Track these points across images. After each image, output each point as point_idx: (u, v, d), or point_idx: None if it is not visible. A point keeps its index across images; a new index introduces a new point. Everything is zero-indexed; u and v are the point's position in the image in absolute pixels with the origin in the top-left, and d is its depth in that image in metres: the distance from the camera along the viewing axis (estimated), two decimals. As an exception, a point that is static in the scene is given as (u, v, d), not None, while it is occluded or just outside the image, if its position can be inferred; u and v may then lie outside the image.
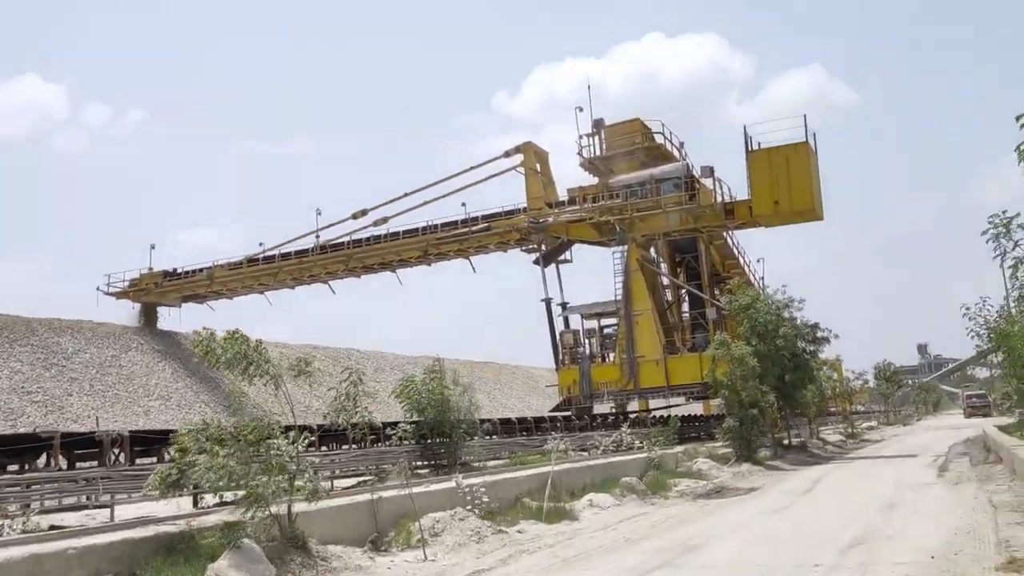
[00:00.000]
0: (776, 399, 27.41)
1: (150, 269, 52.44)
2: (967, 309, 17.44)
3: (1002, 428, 32.98)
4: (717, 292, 35.48)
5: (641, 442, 22.90)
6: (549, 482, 14.47)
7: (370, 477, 15.58)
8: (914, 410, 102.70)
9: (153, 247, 53.13)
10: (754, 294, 30.98)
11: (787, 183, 38.23)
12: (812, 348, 31.53)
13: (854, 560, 8.71)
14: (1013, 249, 11.19)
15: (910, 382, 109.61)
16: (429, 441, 17.55)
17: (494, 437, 22.37)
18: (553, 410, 43.31)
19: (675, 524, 13.00)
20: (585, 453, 21.71)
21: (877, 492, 16.49)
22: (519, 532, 11.92)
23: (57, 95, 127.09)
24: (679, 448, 24.28)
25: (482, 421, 20.79)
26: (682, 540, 11.01)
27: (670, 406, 45.80)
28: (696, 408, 49.45)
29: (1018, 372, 16.37)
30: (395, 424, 16.56)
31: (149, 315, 53.09)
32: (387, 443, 17.99)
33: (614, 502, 15.34)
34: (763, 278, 43.84)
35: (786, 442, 31.49)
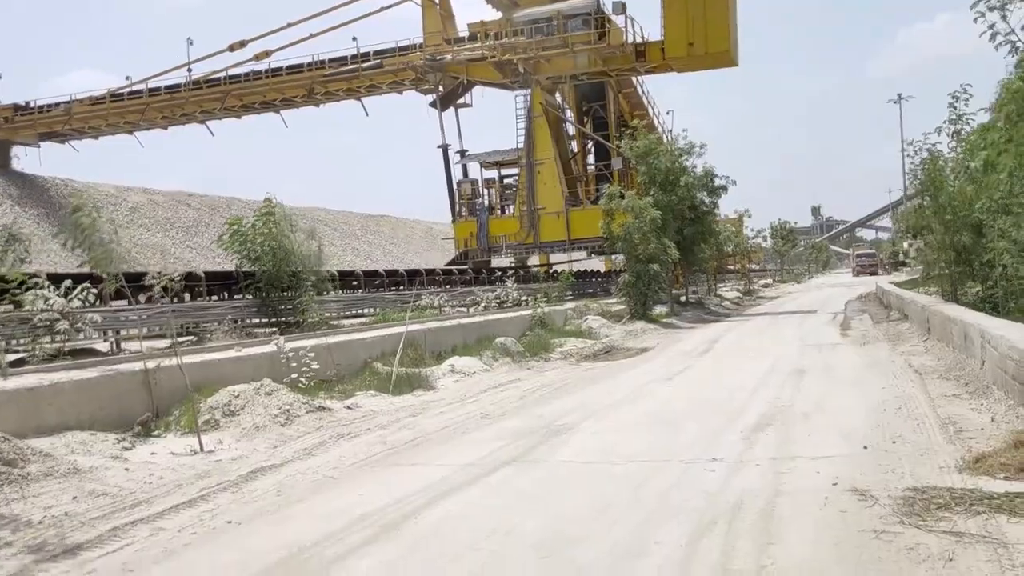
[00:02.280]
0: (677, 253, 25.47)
1: (-6, 101, 46.40)
2: (908, 145, 15.47)
3: (900, 284, 32.38)
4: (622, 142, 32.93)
5: (529, 299, 20.69)
6: (401, 344, 12.01)
7: (187, 338, 12.82)
8: (806, 269, 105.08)
9: (-1, 76, 46.46)
10: (655, 138, 28.43)
11: (703, 24, 35.43)
12: (711, 200, 29.52)
13: (764, 452, 6.58)
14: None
15: (803, 242, 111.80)
16: (267, 296, 14.75)
17: (360, 291, 19.77)
18: (448, 264, 40.98)
19: (548, 395, 10.80)
20: (465, 310, 19.42)
21: (781, 352, 14.77)
22: (348, 408, 9.47)
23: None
24: (569, 305, 22.29)
25: (344, 274, 18.04)
26: (550, 419, 8.79)
27: (572, 261, 44.16)
28: (598, 264, 47.93)
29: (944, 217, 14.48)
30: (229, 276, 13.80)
31: (0, 154, 47.45)
32: (210, 298, 15.16)
33: (482, 367, 13.08)
34: (671, 131, 41.57)
35: (683, 299, 30.03)
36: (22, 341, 9.82)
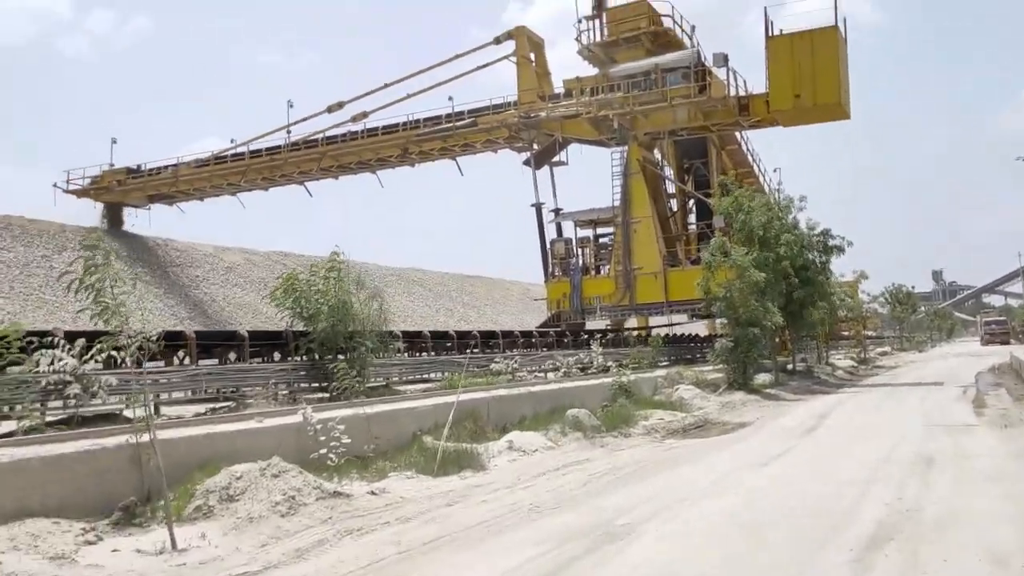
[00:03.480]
0: (781, 318, 23.24)
1: (111, 165, 48.38)
2: None
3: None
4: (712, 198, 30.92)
5: (615, 365, 19.03)
6: (451, 416, 10.59)
7: (224, 404, 11.77)
8: (928, 336, 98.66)
9: (115, 141, 48.66)
10: (745, 192, 26.36)
11: (811, 74, 33.40)
12: (823, 259, 27.16)
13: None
14: None
15: (923, 308, 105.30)
16: (320, 358, 13.57)
17: (428, 354, 18.46)
18: (541, 326, 39.59)
19: (616, 481, 9.16)
20: (543, 376, 17.91)
21: (902, 434, 12.62)
22: (373, 494, 8.06)
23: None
24: (660, 372, 20.41)
25: (410, 335, 16.84)
26: (611, 514, 7.21)
27: (672, 324, 42.09)
28: (700, 328, 45.53)
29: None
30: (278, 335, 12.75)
31: (113, 215, 49.22)
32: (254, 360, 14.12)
33: (546, 444, 11.46)
34: (779, 188, 39.41)
35: (790, 367, 27.58)
36: (26, 407, 8.91)
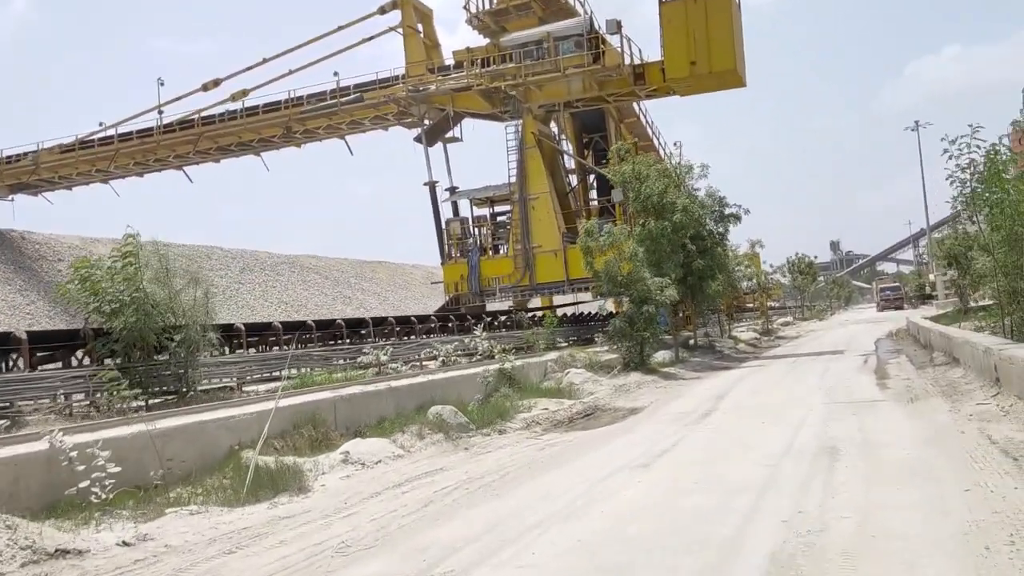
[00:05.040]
0: (680, 292, 21.99)
1: (-38, 152, 44.11)
2: (950, 144, 11.89)
3: (936, 319, 28.64)
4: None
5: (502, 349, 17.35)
6: (266, 427, 8.63)
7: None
8: (828, 305, 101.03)
9: (-33, 125, 44.22)
10: (643, 159, 25.06)
11: (706, 40, 32.31)
12: (721, 229, 26.13)
13: None
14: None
15: (822, 278, 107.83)
16: (128, 360, 11.41)
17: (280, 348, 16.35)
18: (439, 311, 37.76)
19: (464, 499, 7.43)
20: (421, 365, 16.09)
21: (802, 417, 11.28)
22: (124, 545, 6.10)
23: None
24: (550, 356, 18.86)
25: (256, 327, 14.75)
26: (437, 554, 5.51)
27: (577, 303, 40.89)
28: (610, 306, 44.40)
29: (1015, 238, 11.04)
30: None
31: (-34, 209, 45.08)
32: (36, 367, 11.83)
33: (394, 451, 9.63)
34: (678, 156, 38.46)
35: (692, 342, 26.50)
36: None
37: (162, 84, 40.86)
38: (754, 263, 45.36)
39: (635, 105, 40.01)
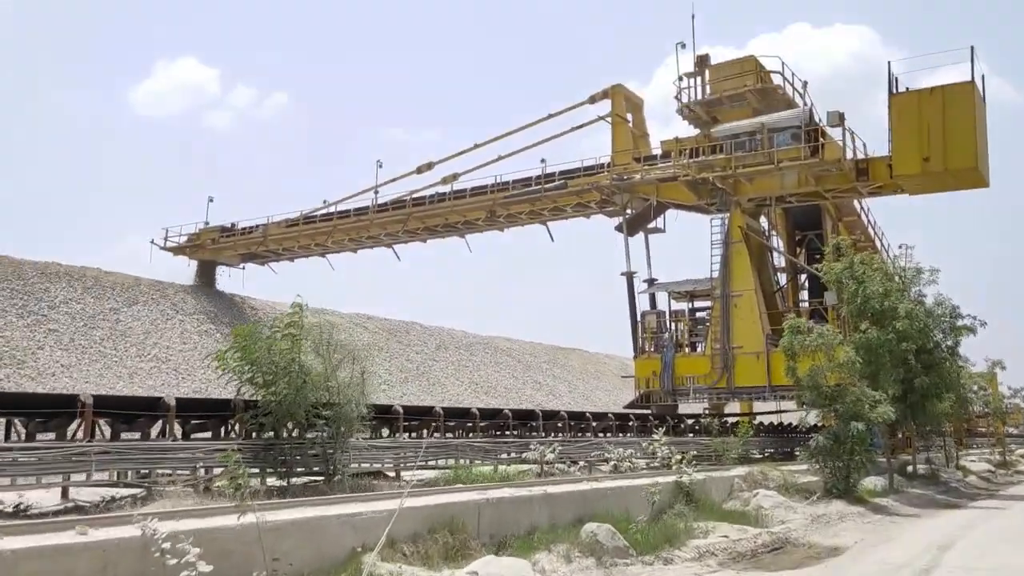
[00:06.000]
0: (897, 412, 19.16)
1: (206, 224, 48.58)
2: None
3: None
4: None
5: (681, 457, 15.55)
6: (383, 538, 7.42)
7: (130, 492, 9.21)
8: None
9: (211, 200, 48.87)
10: (860, 257, 22.44)
11: (941, 135, 29.31)
12: (950, 342, 22.81)
13: None
14: None
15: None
16: (275, 436, 10.87)
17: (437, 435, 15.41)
18: (627, 407, 36.17)
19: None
20: (588, 469, 14.70)
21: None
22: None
23: (211, 77, 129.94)
24: (738, 471, 16.77)
25: (416, 411, 14.00)
26: None
27: (780, 411, 37.77)
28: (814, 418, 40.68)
29: None
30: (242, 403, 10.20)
31: (206, 273, 49.32)
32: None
33: None
34: (906, 259, 34.95)
35: (911, 469, 23.08)
36: None
37: (380, 166, 43.15)
38: (991, 384, 39.98)
39: (856, 204, 37.16)
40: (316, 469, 11.21)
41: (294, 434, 11.13)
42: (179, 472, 10.10)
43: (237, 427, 11.68)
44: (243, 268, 50.49)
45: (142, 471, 9.70)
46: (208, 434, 12.28)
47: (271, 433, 10.84)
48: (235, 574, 6.59)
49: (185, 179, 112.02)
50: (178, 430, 11.88)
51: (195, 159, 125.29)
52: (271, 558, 6.89)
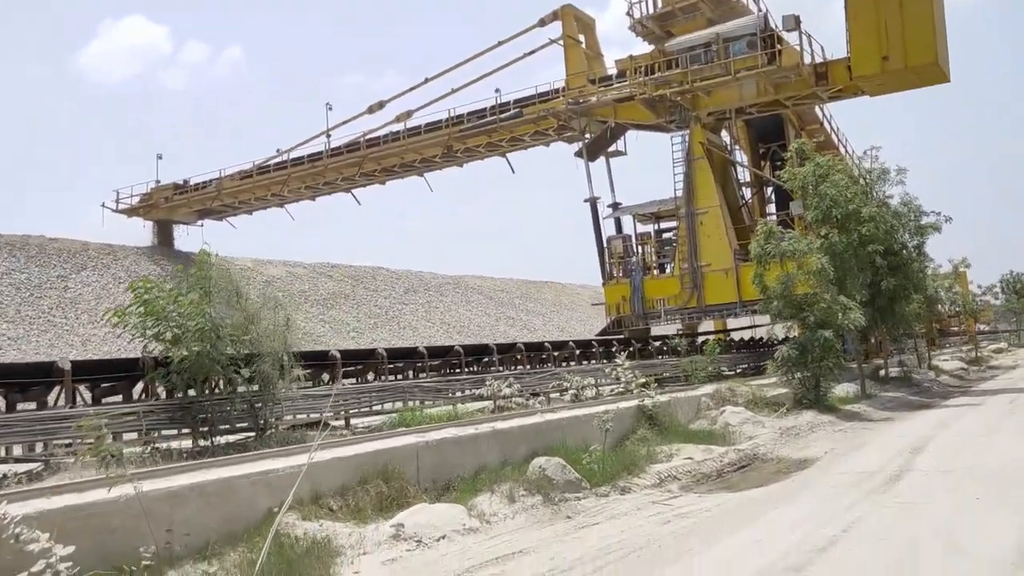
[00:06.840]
0: (867, 316, 18.69)
1: (158, 182, 46.94)
2: None
3: None
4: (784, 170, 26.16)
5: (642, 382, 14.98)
6: (289, 497, 6.72)
7: (25, 468, 8.42)
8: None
9: (160, 157, 47.16)
10: (825, 160, 21.71)
11: (900, 32, 28.33)
12: (917, 241, 22.30)
13: None
14: None
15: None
16: (186, 394, 10.02)
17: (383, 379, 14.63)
18: (600, 334, 35.69)
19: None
20: (546, 401, 14.11)
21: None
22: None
23: (161, 35, 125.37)
24: (706, 389, 16.27)
25: (354, 354, 13.24)
26: None
27: (754, 326, 37.50)
28: (778, 331, 40.45)
29: None
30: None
31: (164, 233, 47.84)
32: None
33: (465, 524, 7.58)
34: (872, 159, 34.34)
35: (883, 373, 22.78)
36: None
37: (330, 109, 41.65)
38: (959, 283, 39.86)
39: (818, 110, 36.29)
40: (242, 426, 10.46)
41: (220, 390, 10.35)
42: (84, 443, 9.31)
43: (152, 388, 10.86)
44: (201, 225, 49.07)
45: (37, 443, 8.89)
46: (119, 397, 11.46)
47: (192, 392, 10.05)
48: (120, 551, 5.86)
49: (146, 145, 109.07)
50: (88, 395, 11.04)
51: (153, 124, 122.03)
52: (164, 529, 6.16)
